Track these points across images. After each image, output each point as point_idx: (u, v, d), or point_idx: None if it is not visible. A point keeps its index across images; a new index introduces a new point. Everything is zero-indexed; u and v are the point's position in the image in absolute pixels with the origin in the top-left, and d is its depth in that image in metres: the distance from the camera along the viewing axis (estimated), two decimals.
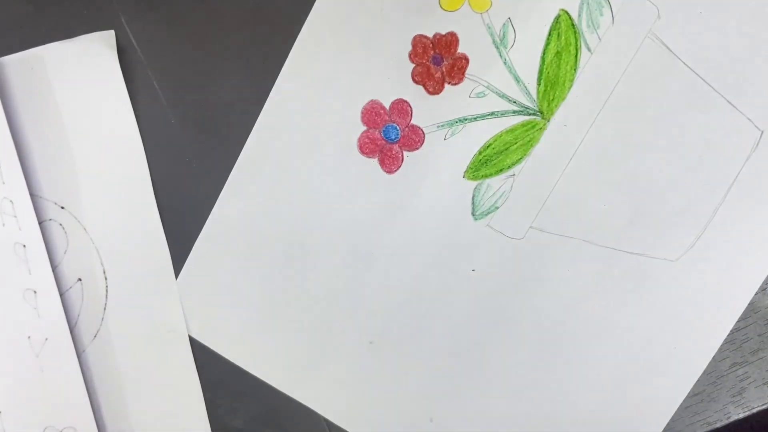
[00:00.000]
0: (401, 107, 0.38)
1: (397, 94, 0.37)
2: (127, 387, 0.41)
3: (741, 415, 0.39)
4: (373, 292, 0.39)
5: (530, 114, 0.37)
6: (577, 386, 0.39)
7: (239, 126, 0.39)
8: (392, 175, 0.38)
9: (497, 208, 0.38)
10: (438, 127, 0.38)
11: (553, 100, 0.36)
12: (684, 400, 0.39)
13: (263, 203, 0.39)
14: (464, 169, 0.38)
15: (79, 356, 0.40)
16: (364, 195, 0.39)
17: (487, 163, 0.38)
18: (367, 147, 0.38)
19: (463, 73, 0.37)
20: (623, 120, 0.36)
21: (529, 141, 0.37)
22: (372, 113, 0.38)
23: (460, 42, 0.37)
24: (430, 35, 0.37)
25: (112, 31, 0.39)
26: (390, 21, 0.37)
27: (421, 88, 0.37)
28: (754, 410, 0.39)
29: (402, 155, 0.38)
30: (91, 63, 0.40)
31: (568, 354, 0.39)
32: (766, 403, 0.39)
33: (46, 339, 0.40)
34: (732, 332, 0.38)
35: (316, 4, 0.37)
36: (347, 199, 0.39)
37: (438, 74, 0.37)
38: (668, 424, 0.39)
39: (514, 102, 0.37)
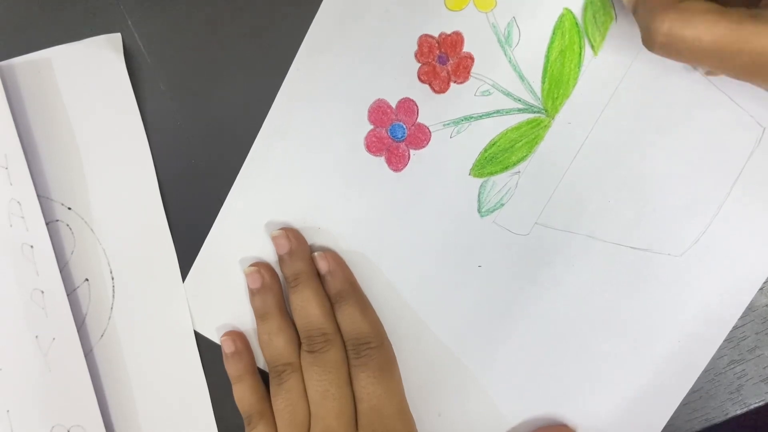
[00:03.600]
0: (407, 106, 0.38)
1: (403, 93, 0.38)
2: (134, 386, 0.42)
3: (738, 412, 0.39)
4: (381, 289, 0.40)
5: (535, 112, 0.37)
6: (581, 381, 0.39)
7: (246, 127, 0.39)
8: (399, 173, 0.38)
9: (503, 204, 0.38)
10: (444, 125, 0.38)
11: (557, 98, 0.37)
12: (683, 397, 0.39)
13: (271, 203, 0.40)
14: (470, 167, 0.38)
15: (86, 355, 0.40)
16: (371, 193, 0.39)
17: (493, 160, 0.38)
18: (374, 145, 0.38)
19: (469, 72, 0.37)
20: (627, 117, 0.37)
21: (534, 138, 0.37)
22: (379, 112, 0.38)
23: (466, 41, 0.37)
24: (436, 35, 0.37)
25: (119, 34, 0.40)
26: (396, 21, 0.37)
27: (427, 86, 0.38)
28: (751, 407, 0.39)
29: (408, 153, 0.38)
30: (98, 65, 0.40)
31: (572, 349, 0.39)
32: (762, 400, 0.39)
33: (54, 338, 0.40)
34: (730, 330, 0.38)
35: (322, 5, 0.37)
36: (354, 197, 0.39)
37: (444, 73, 0.37)
38: (668, 420, 0.39)
39: (519, 100, 0.37)
